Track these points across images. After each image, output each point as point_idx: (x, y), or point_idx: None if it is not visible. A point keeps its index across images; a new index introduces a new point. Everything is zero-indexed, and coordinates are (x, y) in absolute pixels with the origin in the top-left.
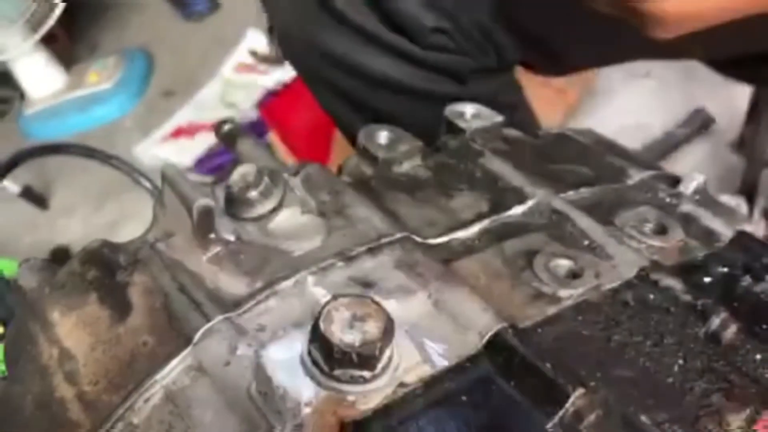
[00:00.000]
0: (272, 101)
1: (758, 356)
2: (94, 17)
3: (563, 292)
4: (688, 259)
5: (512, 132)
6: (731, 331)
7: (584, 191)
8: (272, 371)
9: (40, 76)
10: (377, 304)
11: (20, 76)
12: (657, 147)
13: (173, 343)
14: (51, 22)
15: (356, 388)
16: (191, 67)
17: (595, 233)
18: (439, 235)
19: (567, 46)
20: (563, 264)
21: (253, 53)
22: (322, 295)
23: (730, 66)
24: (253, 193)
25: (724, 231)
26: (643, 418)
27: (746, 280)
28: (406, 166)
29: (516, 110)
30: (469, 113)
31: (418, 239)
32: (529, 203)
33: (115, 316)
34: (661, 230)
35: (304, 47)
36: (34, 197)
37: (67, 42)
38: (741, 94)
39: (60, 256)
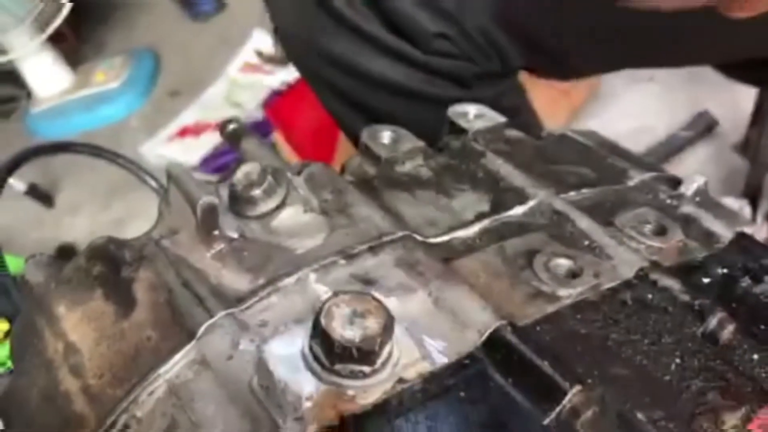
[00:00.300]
0: (277, 101)
1: (755, 356)
2: (102, 17)
3: (562, 291)
4: (687, 260)
5: (514, 133)
6: (728, 330)
7: (585, 192)
8: (274, 366)
9: (47, 75)
10: (377, 300)
11: (27, 75)
12: (661, 149)
13: (177, 338)
14: (58, 21)
15: (356, 382)
16: (197, 67)
17: (595, 234)
18: (440, 234)
19: (570, 51)
20: (563, 263)
21: (259, 53)
22: (323, 291)
23: (736, 69)
24: (256, 192)
25: (725, 233)
26: (639, 415)
27: (745, 282)
28: (408, 166)
29: (519, 113)
30: (472, 114)
31: (419, 238)
32: (530, 203)
33: (119, 311)
34: (661, 231)
35: (304, 47)
36: (40, 195)
37: (74, 41)
38: (745, 96)
39: (66, 253)
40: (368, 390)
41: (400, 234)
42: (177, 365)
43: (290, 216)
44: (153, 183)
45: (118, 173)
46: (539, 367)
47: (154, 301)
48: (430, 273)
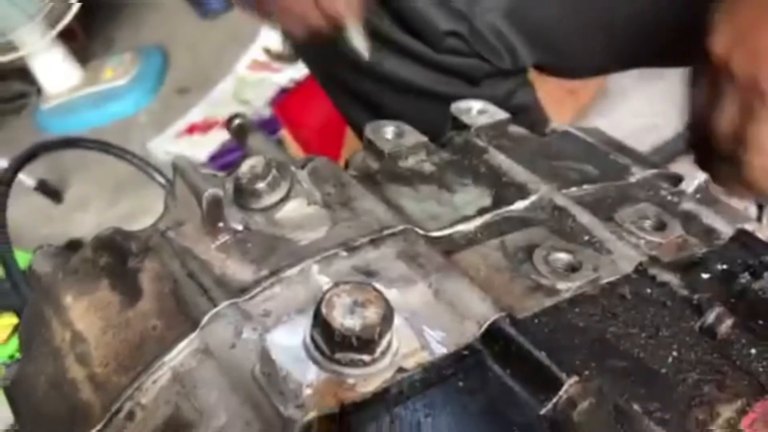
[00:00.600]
0: (285, 99)
1: (753, 350)
2: (111, 14)
3: (561, 285)
4: (687, 256)
5: (517, 129)
6: (726, 325)
7: (587, 188)
8: (276, 354)
9: (56, 72)
10: (377, 291)
11: (37, 72)
12: (668, 148)
13: (181, 327)
14: (68, 18)
15: (356, 371)
16: (206, 65)
17: (595, 229)
18: (442, 228)
19: (581, 49)
20: (562, 257)
21: (267, 51)
22: (325, 282)
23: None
24: (261, 185)
25: (725, 229)
26: (636, 406)
27: (745, 278)
28: (411, 161)
29: (529, 112)
30: (476, 110)
31: (421, 231)
32: (532, 199)
33: (125, 300)
34: (661, 226)
35: (314, 45)
36: (49, 191)
37: (84, 38)
38: None
39: (74, 248)
40: (368, 378)
41: (401, 227)
42: (181, 354)
43: (294, 209)
44: (161, 179)
45: (127, 169)
46: (537, 358)
47: (159, 291)
48: (430, 265)
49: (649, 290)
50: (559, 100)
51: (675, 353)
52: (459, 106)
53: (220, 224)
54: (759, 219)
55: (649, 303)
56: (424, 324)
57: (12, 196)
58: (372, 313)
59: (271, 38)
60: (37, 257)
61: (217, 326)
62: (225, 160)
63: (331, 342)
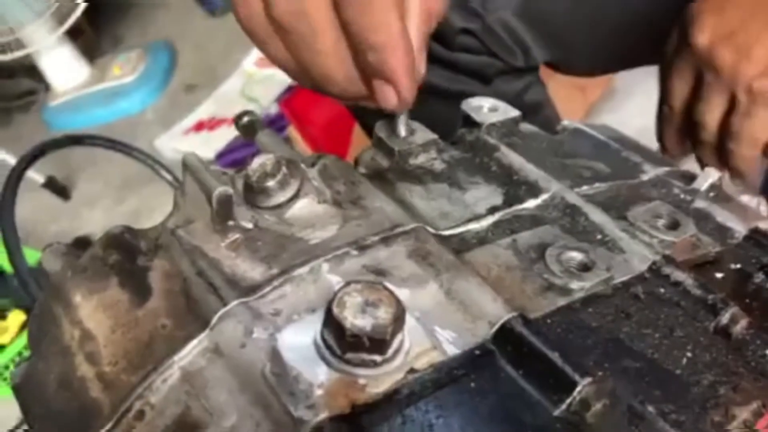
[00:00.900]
0: (293, 96)
1: (767, 352)
2: (119, 11)
3: (574, 284)
4: (700, 255)
5: (528, 127)
6: (741, 325)
7: (599, 186)
8: (286, 354)
9: (64, 69)
10: (389, 290)
11: (45, 69)
12: None
13: (191, 326)
14: (76, 15)
15: (367, 371)
16: (213, 62)
17: (608, 227)
18: (453, 226)
19: (592, 46)
20: (575, 257)
21: None
22: (336, 281)
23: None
24: (271, 183)
25: (739, 228)
26: (650, 408)
27: (759, 277)
28: (421, 159)
29: (541, 109)
30: (486, 107)
31: (432, 230)
32: (543, 197)
33: (135, 299)
34: (674, 225)
35: None
36: (57, 188)
37: (92, 36)
38: None
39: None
40: (379, 379)
41: (412, 225)
42: (191, 353)
43: (304, 207)
44: (168, 176)
45: (134, 166)
46: (550, 359)
47: (168, 289)
48: (441, 264)
49: (662, 290)
50: (568, 97)
51: (689, 354)
52: (470, 104)
53: (230, 222)
54: None
55: (662, 303)
56: (435, 324)
57: (20, 193)
58: (384, 313)
59: None
60: (47, 255)
61: (227, 325)
62: (233, 157)
63: (342, 342)
